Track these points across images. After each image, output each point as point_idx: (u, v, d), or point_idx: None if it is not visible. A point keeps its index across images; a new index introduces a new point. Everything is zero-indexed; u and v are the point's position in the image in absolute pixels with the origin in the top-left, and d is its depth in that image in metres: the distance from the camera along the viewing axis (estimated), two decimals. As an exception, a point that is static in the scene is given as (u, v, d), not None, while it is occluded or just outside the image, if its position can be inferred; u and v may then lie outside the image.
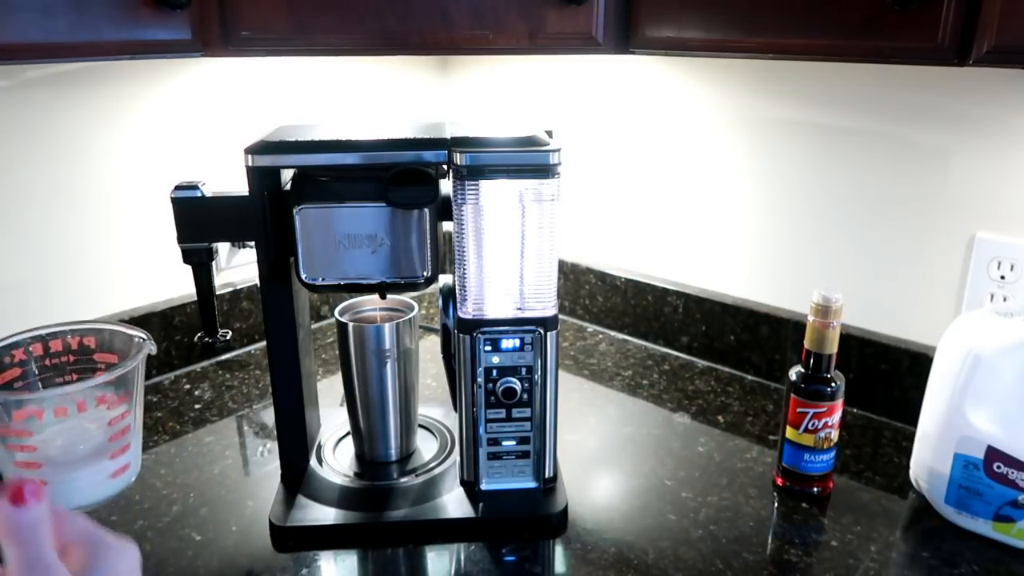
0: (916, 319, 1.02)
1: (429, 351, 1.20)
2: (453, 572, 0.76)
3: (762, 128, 1.10)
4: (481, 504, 0.82)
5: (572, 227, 1.36)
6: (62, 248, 1.05)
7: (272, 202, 0.77)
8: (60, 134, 1.01)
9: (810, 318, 0.83)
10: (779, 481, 0.88)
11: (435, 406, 1.02)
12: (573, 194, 1.33)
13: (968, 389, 0.77)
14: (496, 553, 0.77)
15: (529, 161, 0.73)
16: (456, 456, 0.89)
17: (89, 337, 0.75)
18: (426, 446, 0.93)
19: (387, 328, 0.85)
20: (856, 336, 1.05)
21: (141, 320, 1.11)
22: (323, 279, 0.78)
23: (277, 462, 0.87)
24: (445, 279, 0.82)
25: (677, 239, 1.24)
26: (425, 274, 0.79)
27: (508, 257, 0.76)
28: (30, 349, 0.73)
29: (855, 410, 1.06)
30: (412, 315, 0.88)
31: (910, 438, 0.88)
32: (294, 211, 0.75)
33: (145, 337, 0.74)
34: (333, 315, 0.94)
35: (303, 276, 0.78)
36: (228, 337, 0.88)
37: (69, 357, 0.75)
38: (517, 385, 0.79)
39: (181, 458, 0.94)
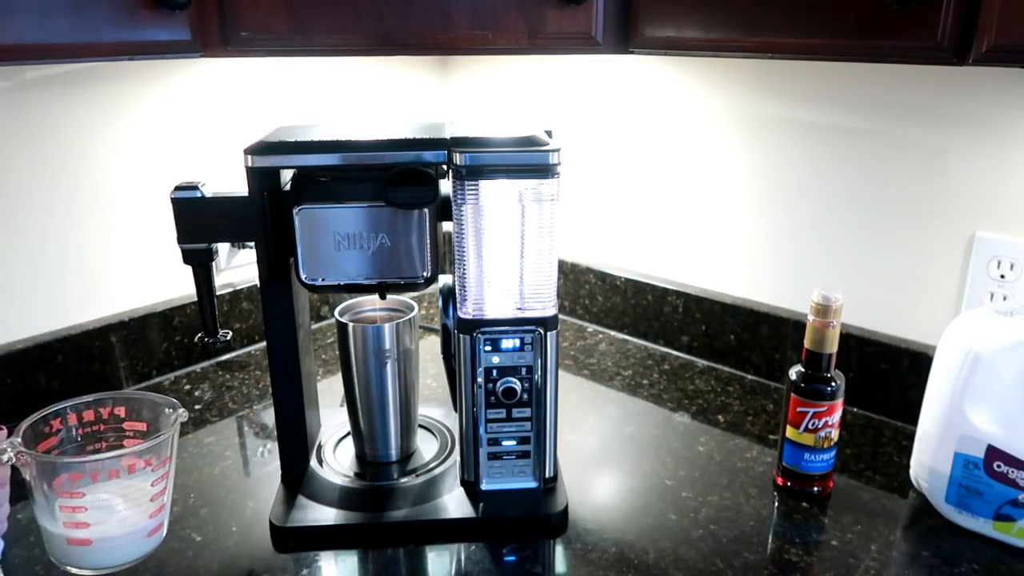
0: (916, 318, 1.02)
1: (429, 351, 1.20)
2: (453, 572, 0.76)
3: (762, 128, 1.10)
4: (481, 504, 0.82)
5: (572, 227, 1.36)
6: (62, 249, 1.05)
7: (272, 202, 0.77)
8: (60, 134, 1.01)
9: (810, 318, 0.83)
10: (779, 480, 0.88)
11: (435, 406, 1.02)
12: (573, 194, 1.33)
13: (968, 388, 0.77)
14: (496, 553, 0.77)
15: (529, 161, 0.73)
16: (456, 456, 0.89)
17: (120, 407, 0.79)
18: (426, 446, 0.93)
19: (387, 328, 0.85)
20: (856, 335, 1.05)
21: (141, 320, 1.11)
22: (323, 279, 0.78)
23: (277, 462, 0.87)
24: (445, 279, 0.82)
25: (677, 239, 1.24)
26: (425, 274, 0.79)
27: (508, 257, 0.76)
28: (67, 418, 0.76)
29: (855, 409, 1.06)
30: (412, 315, 0.88)
31: (910, 437, 0.88)
32: (294, 211, 0.75)
33: (174, 405, 0.77)
34: (333, 315, 0.94)
35: (303, 276, 0.78)
36: (228, 337, 0.88)
37: (101, 426, 0.78)
38: (517, 385, 0.79)
39: (181, 459, 0.94)
